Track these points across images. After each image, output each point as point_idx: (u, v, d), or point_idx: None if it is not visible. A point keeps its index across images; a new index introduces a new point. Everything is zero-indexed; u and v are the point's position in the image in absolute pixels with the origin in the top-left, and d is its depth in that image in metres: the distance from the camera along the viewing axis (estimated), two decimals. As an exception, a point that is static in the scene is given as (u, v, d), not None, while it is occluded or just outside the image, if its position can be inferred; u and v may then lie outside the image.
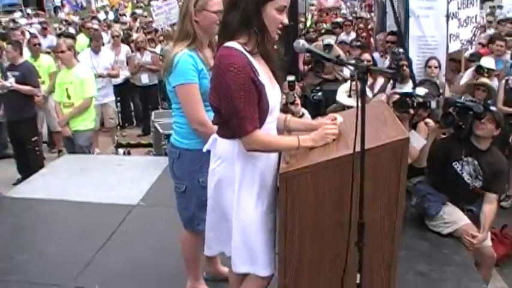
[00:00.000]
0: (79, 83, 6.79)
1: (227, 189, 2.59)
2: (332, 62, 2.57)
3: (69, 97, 6.84)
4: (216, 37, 3.13)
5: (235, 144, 2.54)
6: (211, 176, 2.67)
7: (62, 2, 32.21)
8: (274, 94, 2.57)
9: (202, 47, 3.15)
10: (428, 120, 4.89)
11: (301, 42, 2.57)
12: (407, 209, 4.75)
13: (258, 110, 2.45)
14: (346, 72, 8.12)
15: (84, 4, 32.83)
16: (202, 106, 3.08)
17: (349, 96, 4.87)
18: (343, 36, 10.70)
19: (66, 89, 6.83)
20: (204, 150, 2.76)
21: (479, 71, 6.89)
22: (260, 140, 2.48)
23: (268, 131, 2.57)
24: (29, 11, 28.11)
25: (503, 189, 5.37)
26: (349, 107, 4.95)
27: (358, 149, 2.28)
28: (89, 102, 6.98)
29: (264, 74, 2.53)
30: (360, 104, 2.22)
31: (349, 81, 5.37)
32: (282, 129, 2.77)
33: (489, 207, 4.64)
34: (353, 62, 2.32)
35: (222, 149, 2.61)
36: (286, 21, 2.52)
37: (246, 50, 2.46)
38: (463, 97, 4.96)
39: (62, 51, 6.73)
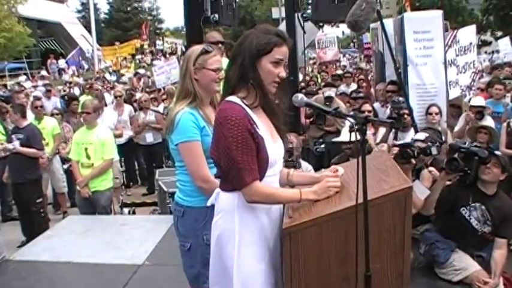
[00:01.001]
0: (100, 144, 6.81)
1: (228, 243, 2.57)
2: (331, 115, 2.59)
3: (88, 157, 6.83)
4: (217, 95, 3.20)
5: (236, 197, 2.54)
6: (213, 230, 2.67)
7: (67, 63, 32.80)
8: (275, 148, 2.59)
9: (203, 104, 3.19)
10: (431, 168, 4.89)
11: (300, 96, 2.60)
12: (416, 257, 4.70)
13: (256, 161, 2.47)
14: (348, 124, 8.19)
15: (86, 66, 33.42)
16: (205, 163, 3.09)
17: (349, 148, 4.88)
18: (343, 88, 10.81)
19: (86, 149, 6.82)
20: (208, 204, 2.76)
21: (476, 116, 6.99)
22: (260, 192, 2.48)
23: (269, 184, 2.57)
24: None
25: (512, 233, 5.30)
26: (351, 142, 4.98)
27: (360, 200, 2.27)
28: (110, 163, 7.01)
29: (264, 128, 2.56)
30: (360, 156, 2.23)
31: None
32: (285, 183, 2.77)
33: (499, 253, 4.57)
34: (351, 113, 2.34)
35: (223, 202, 2.61)
36: (283, 74, 2.56)
37: (245, 103, 2.50)
38: (467, 142, 4.95)
39: (88, 113, 6.79)
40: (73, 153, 7.02)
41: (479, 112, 7.09)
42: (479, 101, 7.41)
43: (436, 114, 6.87)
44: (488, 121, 7.22)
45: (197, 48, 3.27)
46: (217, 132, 2.50)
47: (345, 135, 5.73)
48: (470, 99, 8.17)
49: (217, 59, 3.23)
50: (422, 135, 4.80)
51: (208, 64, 3.19)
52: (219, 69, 3.20)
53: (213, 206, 2.74)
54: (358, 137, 2.26)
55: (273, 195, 2.54)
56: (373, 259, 2.31)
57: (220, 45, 5.38)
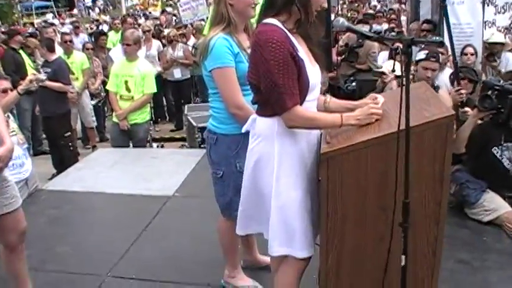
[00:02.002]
0: (141, 77, 6.72)
1: (266, 168, 2.54)
2: (373, 39, 2.50)
3: (128, 90, 6.75)
4: (252, 20, 3.11)
5: (275, 122, 2.49)
6: (250, 155, 2.63)
7: (92, 2, 32.64)
8: (314, 72, 2.53)
9: (237, 31, 3.11)
10: (467, 109, 4.78)
11: (341, 20, 2.53)
12: (446, 197, 4.65)
13: (298, 85, 2.41)
14: (380, 62, 8.03)
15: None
16: (240, 90, 3.04)
17: (393, 70, 4.72)
18: (376, 27, 10.57)
19: (126, 82, 6.73)
20: (243, 130, 2.73)
21: (489, 58, 6.94)
22: (301, 116, 2.43)
23: (308, 109, 2.52)
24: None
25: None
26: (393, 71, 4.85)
27: (402, 126, 2.20)
28: (149, 97, 7.02)
29: (304, 52, 2.49)
30: (404, 79, 2.15)
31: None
32: (322, 110, 2.71)
33: None
34: (396, 37, 2.25)
35: (261, 128, 2.56)
36: (325, 4, 2.50)
37: (285, 27, 2.43)
38: (501, 80, 4.80)
39: (128, 44, 6.69)
40: (111, 84, 6.90)
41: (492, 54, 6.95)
42: (498, 37, 7.25)
43: (472, 55, 6.68)
44: (511, 59, 7.06)
45: (231, -26, 3.17)
46: (256, 55, 2.42)
47: (388, 66, 5.54)
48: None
49: None
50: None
51: None
52: None
53: (246, 133, 2.71)
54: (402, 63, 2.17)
55: (313, 120, 2.49)
56: (412, 188, 2.26)
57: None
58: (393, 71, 4.80)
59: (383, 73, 5.61)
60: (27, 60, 9.26)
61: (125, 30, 9.50)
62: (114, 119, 6.84)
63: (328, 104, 2.75)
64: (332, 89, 7.44)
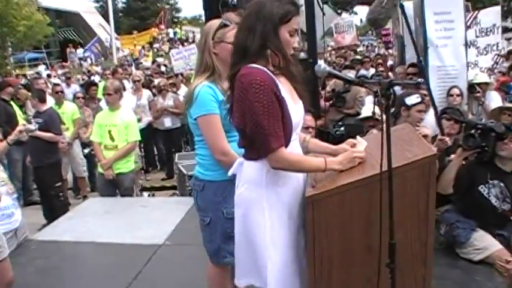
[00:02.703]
0: (124, 126, 6.80)
1: (256, 214, 2.54)
2: (354, 83, 2.55)
3: (112, 139, 6.81)
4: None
5: (263, 166, 2.51)
6: (238, 201, 2.64)
7: (84, 53, 33.01)
8: (296, 110, 2.56)
9: (222, 79, 3.16)
10: (452, 156, 4.84)
11: (323, 66, 2.58)
12: (436, 238, 4.65)
13: (282, 126, 2.43)
14: (368, 106, 8.12)
15: (102, 55, 33.57)
16: (224, 136, 3.08)
17: (373, 113, 4.80)
18: (363, 71, 10.74)
19: (109, 131, 6.80)
20: (230, 174, 2.75)
21: (471, 90, 7.03)
22: (286, 158, 2.45)
23: (293, 148, 2.56)
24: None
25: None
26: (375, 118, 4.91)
27: (385, 168, 2.24)
28: (134, 146, 7.06)
29: (286, 91, 2.53)
30: (385, 121, 2.19)
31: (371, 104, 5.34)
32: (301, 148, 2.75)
33: None
34: (374, 80, 2.30)
35: (248, 173, 2.58)
36: (296, 44, 2.55)
37: (268, 69, 2.48)
38: (483, 119, 4.89)
39: (109, 94, 6.78)
40: (95, 135, 6.98)
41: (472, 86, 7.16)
42: (483, 77, 7.46)
43: (458, 95, 6.81)
44: (495, 98, 7.24)
45: (215, 23, 3.26)
46: (241, 98, 2.44)
47: (367, 111, 5.66)
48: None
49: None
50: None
51: (226, 37, 3.16)
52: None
53: (233, 179, 2.73)
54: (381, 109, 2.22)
55: (298, 163, 2.51)
56: (397, 228, 2.28)
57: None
58: (373, 113, 4.88)
59: (368, 118, 5.68)
60: (18, 111, 9.30)
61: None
62: (100, 169, 6.87)
63: (307, 143, 2.79)
64: (321, 134, 7.49)
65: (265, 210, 2.51)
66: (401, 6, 4.45)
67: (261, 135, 2.40)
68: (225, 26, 3.20)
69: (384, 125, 2.19)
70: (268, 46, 2.47)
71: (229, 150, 3.04)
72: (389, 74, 10.77)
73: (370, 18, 4.25)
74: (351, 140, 2.74)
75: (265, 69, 2.46)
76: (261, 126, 2.38)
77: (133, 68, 20.87)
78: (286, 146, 2.47)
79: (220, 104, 3.07)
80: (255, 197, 2.54)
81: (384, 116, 2.18)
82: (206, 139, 3.12)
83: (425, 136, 4.11)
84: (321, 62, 2.56)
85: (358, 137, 2.76)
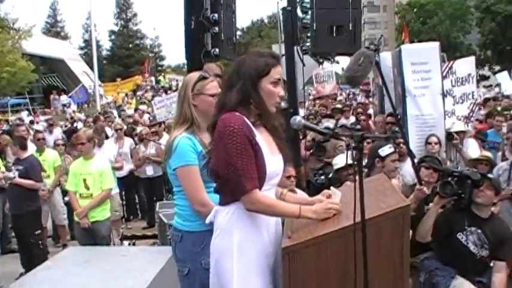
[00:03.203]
0: (98, 174, 6.81)
1: (226, 262, 2.56)
2: (327, 135, 2.62)
3: (87, 188, 6.82)
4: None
5: (234, 211, 2.55)
6: (212, 249, 2.67)
7: (69, 99, 33.04)
8: (273, 161, 2.61)
9: (201, 130, 3.21)
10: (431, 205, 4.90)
11: (298, 119, 2.64)
12: (416, 286, 4.66)
13: (256, 170, 2.48)
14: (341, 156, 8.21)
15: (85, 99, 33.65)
16: (203, 187, 3.11)
17: (347, 164, 4.87)
18: (343, 121, 10.87)
19: (84, 180, 6.82)
20: (207, 221, 2.77)
21: (450, 137, 7.18)
22: (261, 201, 2.49)
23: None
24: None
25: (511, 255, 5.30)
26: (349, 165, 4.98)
27: (358, 219, 2.28)
28: (108, 193, 7.03)
29: (263, 141, 2.58)
30: (357, 174, 2.24)
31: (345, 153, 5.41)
32: None
33: (499, 276, 4.56)
34: (348, 133, 2.37)
35: (220, 219, 2.62)
36: (282, 92, 2.63)
37: (245, 118, 2.54)
38: (459, 166, 4.98)
39: (82, 143, 6.82)
40: (70, 184, 6.99)
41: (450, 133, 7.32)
42: (459, 126, 7.62)
43: (436, 144, 6.92)
44: (472, 146, 7.35)
45: (195, 75, 3.34)
46: (216, 142, 2.53)
47: (340, 161, 5.74)
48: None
49: (215, 85, 3.29)
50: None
51: (206, 90, 3.24)
52: (217, 94, 3.21)
53: (211, 230, 2.74)
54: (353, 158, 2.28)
55: (272, 206, 2.55)
56: (372, 278, 2.30)
57: (218, 78, 5.45)
58: (349, 165, 4.95)
59: (344, 168, 5.73)
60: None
61: (97, 130, 9.66)
62: (76, 218, 6.85)
63: (284, 197, 2.84)
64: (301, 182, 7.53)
65: (234, 258, 2.53)
66: (377, 63, 4.55)
67: (234, 175, 2.45)
68: (204, 78, 3.28)
69: (357, 177, 2.23)
70: (249, 101, 2.54)
71: (208, 201, 3.06)
72: (370, 122, 10.91)
73: (347, 76, 4.32)
74: (326, 191, 2.78)
75: (243, 117, 2.52)
76: (235, 167, 2.44)
77: (115, 115, 20.89)
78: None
79: (199, 155, 3.12)
80: (226, 244, 2.57)
81: (356, 168, 2.23)
82: (185, 190, 3.15)
83: None
84: (296, 116, 2.60)
85: (332, 188, 2.81)
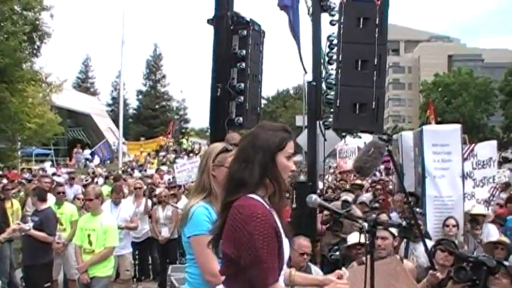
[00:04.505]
0: (102, 231, 6.90)
1: None
2: (342, 217, 2.65)
3: (90, 243, 6.92)
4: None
5: None
6: None
7: (92, 154, 33.43)
8: (287, 245, 2.60)
9: (218, 200, 3.24)
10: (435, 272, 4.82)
11: (314, 197, 2.67)
12: None
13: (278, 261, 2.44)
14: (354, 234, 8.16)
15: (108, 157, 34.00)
16: (216, 258, 3.09)
17: (359, 249, 4.84)
18: (363, 197, 10.79)
19: (88, 235, 6.92)
20: None
21: (473, 224, 7.15)
22: None
23: (279, 283, 2.56)
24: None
25: None
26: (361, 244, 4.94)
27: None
28: (110, 251, 7.08)
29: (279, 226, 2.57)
30: (368, 258, 2.25)
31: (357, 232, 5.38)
32: (287, 283, 2.76)
33: None
34: (361, 215, 2.39)
35: None
36: (294, 167, 2.64)
37: (265, 201, 2.54)
38: (475, 252, 4.91)
39: (90, 199, 6.93)
40: (77, 238, 7.14)
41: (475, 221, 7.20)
42: (480, 209, 7.57)
43: (453, 226, 6.86)
44: (492, 230, 7.23)
45: (218, 146, 3.41)
46: (237, 229, 2.44)
47: (353, 238, 5.71)
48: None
49: None
50: None
51: (227, 162, 3.27)
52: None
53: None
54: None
55: None
56: None
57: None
58: (361, 244, 4.93)
59: (357, 244, 5.70)
60: (17, 206, 9.40)
61: (116, 188, 9.76)
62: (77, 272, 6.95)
63: (293, 278, 2.82)
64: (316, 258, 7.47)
65: None
66: (390, 152, 4.61)
67: (258, 268, 2.39)
68: (227, 151, 3.34)
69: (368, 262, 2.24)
70: (268, 175, 2.55)
71: (219, 272, 3.06)
72: (389, 201, 10.84)
73: (356, 166, 4.36)
74: (338, 271, 2.77)
75: (264, 202, 2.52)
76: (260, 259, 2.37)
77: (136, 174, 21.05)
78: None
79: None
80: None
81: (368, 254, 2.24)
82: (197, 259, 3.18)
83: None
84: (312, 195, 2.63)
85: (343, 268, 2.81)
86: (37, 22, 18.60)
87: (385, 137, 4.23)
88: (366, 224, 2.26)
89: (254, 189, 2.54)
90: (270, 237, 2.41)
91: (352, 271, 2.79)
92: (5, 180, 10.75)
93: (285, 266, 2.64)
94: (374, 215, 2.31)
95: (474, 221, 7.36)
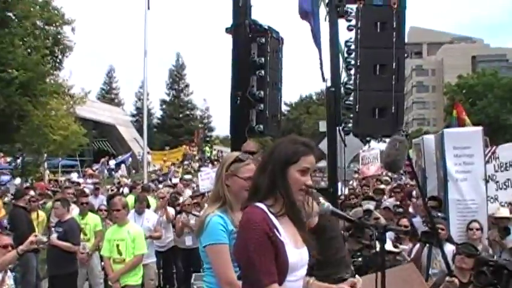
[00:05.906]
0: (131, 239, 7.00)
1: None
2: (354, 223, 2.65)
3: (120, 253, 7.00)
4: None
5: None
6: None
7: (117, 164, 33.77)
8: (298, 253, 2.61)
9: (233, 209, 3.27)
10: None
11: (326, 205, 2.68)
12: None
13: (275, 265, 2.49)
14: (388, 238, 8.10)
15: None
16: (232, 266, 3.13)
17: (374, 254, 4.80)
18: (386, 202, 10.70)
19: (117, 246, 7.01)
20: None
21: (505, 233, 7.04)
22: None
23: None
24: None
25: None
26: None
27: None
28: (140, 259, 7.18)
29: (288, 234, 2.60)
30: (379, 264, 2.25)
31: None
32: None
33: None
34: (372, 223, 2.39)
35: None
36: (309, 182, 2.64)
37: (270, 211, 2.57)
38: (495, 256, 4.85)
39: (118, 210, 7.02)
40: (105, 250, 7.21)
41: (506, 228, 7.06)
42: (504, 212, 7.44)
43: (477, 230, 6.78)
44: None
45: (232, 156, 3.44)
46: (239, 235, 2.60)
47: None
48: None
49: (250, 168, 3.31)
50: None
51: (240, 172, 3.31)
52: (251, 178, 3.29)
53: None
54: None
55: None
56: None
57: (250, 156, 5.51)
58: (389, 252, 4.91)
59: (390, 252, 5.65)
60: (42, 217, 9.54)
61: (139, 198, 9.83)
62: (109, 283, 7.01)
63: (311, 286, 2.82)
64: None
65: None
66: (408, 156, 4.59)
67: (252, 270, 2.49)
68: (240, 160, 3.35)
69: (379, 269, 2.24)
70: (276, 186, 2.59)
71: (235, 281, 3.08)
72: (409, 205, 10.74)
73: (388, 161, 4.33)
74: (351, 279, 2.76)
75: (266, 210, 2.56)
76: (252, 262, 2.48)
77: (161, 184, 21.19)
78: (280, 284, 2.51)
79: (230, 234, 3.17)
80: None
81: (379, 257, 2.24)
82: (214, 268, 3.19)
83: None
84: (324, 202, 2.64)
85: (357, 276, 2.80)
86: (59, 36, 18.83)
87: (403, 132, 4.22)
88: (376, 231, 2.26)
89: (263, 198, 2.61)
90: (261, 242, 2.49)
91: (366, 278, 2.77)
92: (32, 192, 10.85)
93: (300, 273, 2.65)
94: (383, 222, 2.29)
95: (504, 230, 7.21)
